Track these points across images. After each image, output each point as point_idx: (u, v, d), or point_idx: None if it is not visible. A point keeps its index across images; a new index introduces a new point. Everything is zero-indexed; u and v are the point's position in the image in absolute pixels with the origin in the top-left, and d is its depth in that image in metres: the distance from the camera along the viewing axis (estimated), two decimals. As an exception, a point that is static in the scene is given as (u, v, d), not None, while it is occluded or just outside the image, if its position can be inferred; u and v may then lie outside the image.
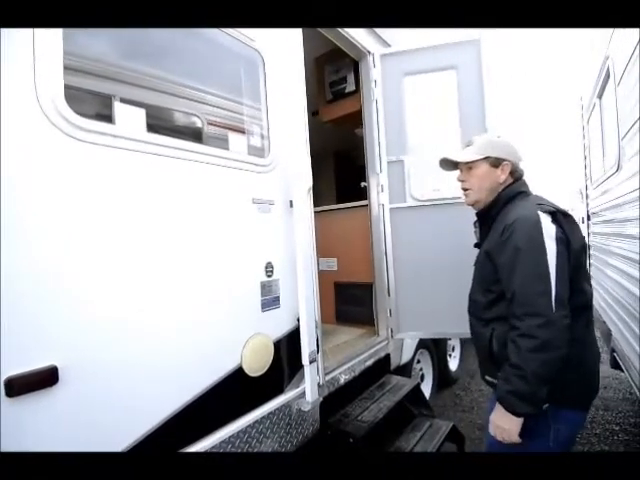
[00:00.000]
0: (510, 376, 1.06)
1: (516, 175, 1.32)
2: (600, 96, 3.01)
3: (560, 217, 1.13)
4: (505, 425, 1.08)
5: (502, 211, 1.27)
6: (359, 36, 2.24)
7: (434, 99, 2.20)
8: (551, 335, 1.02)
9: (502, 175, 1.29)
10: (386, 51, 2.34)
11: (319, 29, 2.02)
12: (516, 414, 1.06)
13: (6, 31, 0.81)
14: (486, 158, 1.29)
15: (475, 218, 1.41)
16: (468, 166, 1.33)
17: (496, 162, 1.28)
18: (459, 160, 1.36)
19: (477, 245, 1.43)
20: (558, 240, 1.08)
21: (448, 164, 1.45)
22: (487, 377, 1.27)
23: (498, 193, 1.30)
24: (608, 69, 2.56)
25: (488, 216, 1.33)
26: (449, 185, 2.10)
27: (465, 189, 1.37)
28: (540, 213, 1.11)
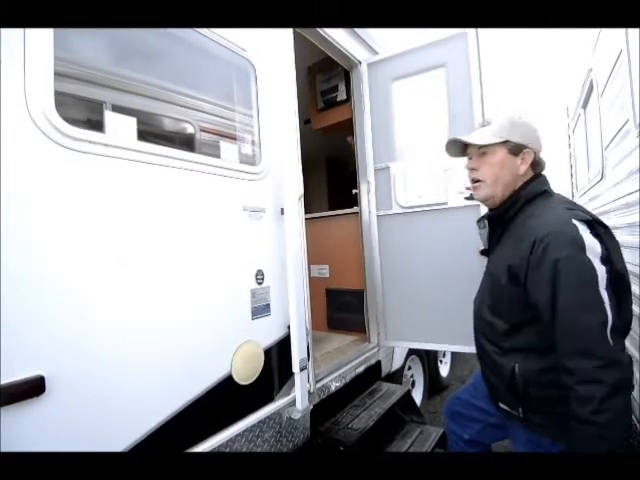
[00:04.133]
0: (589, 438, 0.87)
1: (537, 168, 1.11)
2: (584, 107, 3.09)
3: (599, 228, 0.95)
4: None
5: (520, 213, 1.08)
6: (349, 46, 2.27)
7: (423, 101, 2.19)
8: (620, 375, 0.85)
9: (522, 166, 1.07)
10: (373, 59, 2.37)
11: (311, 39, 2.05)
12: None
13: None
14: (505, 142, 1.08)
15: (476, 218, 1.23)
16: (482, 151, 1.11)
17: (516, 149, 1.07)
18: (472, 142, 1.12)
19: (484, 252, 1.26)
20: (604, 258, 0.89)
21: (456, 149, 1.22)
22: (502, 405, 1.12)
23: (515, 190, 1.09)
24: (592, 81, 2.63)
25: (502, 218, 1.13)
26: (431, 191, 2.14)
27: (476, 180, 1.14)
28: (576, 223, 0.92)
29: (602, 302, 0.87)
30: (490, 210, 1.18)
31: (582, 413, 0.87)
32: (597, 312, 0.87)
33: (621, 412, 0.86)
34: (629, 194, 1.89)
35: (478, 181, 1.14)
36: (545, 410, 1.02)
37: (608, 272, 0.89)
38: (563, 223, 0.93)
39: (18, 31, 0.85)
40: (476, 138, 1.13)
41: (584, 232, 0.91)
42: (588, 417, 0.85)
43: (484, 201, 1.17)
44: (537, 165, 1.12)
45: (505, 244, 1.10)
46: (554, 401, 0.99)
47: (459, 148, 1.22)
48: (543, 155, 1.16)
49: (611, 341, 0.86)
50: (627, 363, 0.87)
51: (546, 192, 1.09)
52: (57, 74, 0.92)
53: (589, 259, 0.88)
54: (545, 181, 1.12)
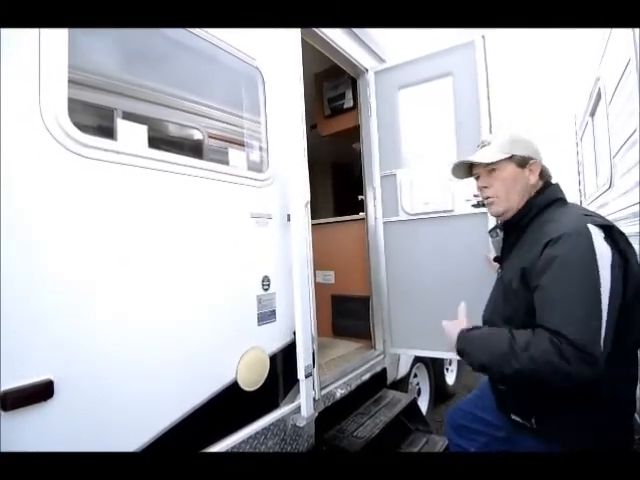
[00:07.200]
0: (497, 353, 0.95)
1: (545, 177, 1.16)
2: (592, 115, 3.08)
3: (616, 234, 0.95)
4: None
5: (535, 220, 1.10)
6: (356, 54, 2.29)
7: (429, 109, 2.20)
8: (589, 372, 0.84)
9: (532, 176, 1.12)
10: (380, 67, 2.39)
11: (318, 47, 2.08)
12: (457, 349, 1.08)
13: (12, 43, 0.83)
14: (511, 157, 1.11)
15: (489, 227, 1.25)
16: (490, 168, 1.14)
17: (522, 161, 1.11)
18: (480, 161, 1.15)
19: (497, 259, 1.27)
20: (613, 266, 0.90)
21: (461, 171, 1.26)
22: (513, 416, 1.09)
23: (528, 199, 1.13)
24: (599, 89, 2.63)
25: (517, 226, 1.15)
26: (438, 198, 2.15)
27: (489, 197, 1.17)
28: (591, 227, 0.93)
29: (601, 312, 0.87)
30: (505, 221, 1.20)
31: (516, 349, 0.90)
32: (596, 319, 0.87)
33: (517, 382, 0.96)
34: (637, 203, 1.87)
35: (491, 197, 1.16)
36: (558, 418, 1.00)
37: (615, 280, 0.89)
38: (578, 227, 0.94)
39: (33, 38, 0.87)
40: (482, 157, 1.15)
41: (598, 237, 0.91)
42: (513, 352, 0.90)
43: (499, 216, 1.18)
44: (545, 174, 1.15)
45: (520, 250, 1.10)
46: (567, 408, 0.98)
47: (465, 169, 1.25)
48: (551, 162, 1.19)
49: (602, 347, 0.85)
50: (598, 372, 0.85)
51: (561, 200, 1.11)
52: (70, 81, 0.94)
53: (597, 265, 0.88)
54: (559, 189, 1.14)
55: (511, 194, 1.12)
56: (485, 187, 1.17)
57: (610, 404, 0.97)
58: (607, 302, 0.87)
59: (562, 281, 0.91)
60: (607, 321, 0.87)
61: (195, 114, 1.33)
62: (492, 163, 1.13)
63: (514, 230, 1.17)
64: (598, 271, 0.88)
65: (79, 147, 0.94)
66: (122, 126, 1.07)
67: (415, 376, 2.97)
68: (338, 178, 4.75)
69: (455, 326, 1.13)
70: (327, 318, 2.85)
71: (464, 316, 1.17)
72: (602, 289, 0.88)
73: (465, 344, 1.05)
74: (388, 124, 2.34)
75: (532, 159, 1.12)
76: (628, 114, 1.94)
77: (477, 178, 1.21)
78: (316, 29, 1.91)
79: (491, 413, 1.24)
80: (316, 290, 1.79)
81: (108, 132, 1.05)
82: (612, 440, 0.99)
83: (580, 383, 0.87)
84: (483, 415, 1.32)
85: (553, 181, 1.18)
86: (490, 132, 1.96)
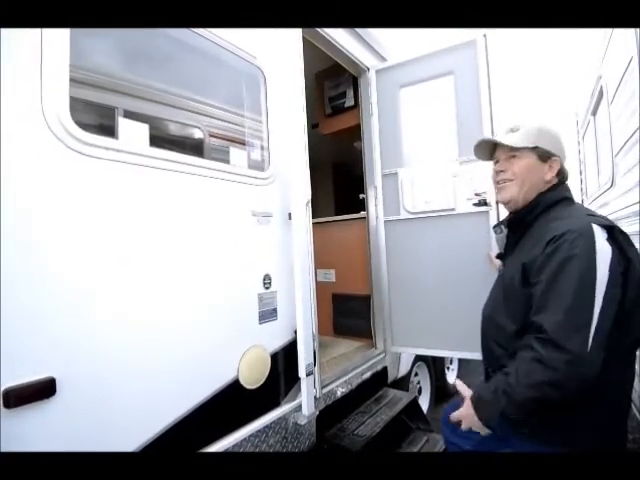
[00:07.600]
0: (499, 392, 0.96)
1: (561, 177, 1.15)
2: (594, 113, 3.07)
3: (618, 234, 0.96)
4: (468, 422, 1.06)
5: (540, 218, 1.10)
6: (358, 52, 2.29)
7: (431, 107, 2.20)
8: (576, 373, 0.86)
9: (550, 172, 1.11)
10: (381, 66, 2.39)
11: (319, 45, 2.08)
12: (480, 419, 1.01)
13: (14, 42, 0.83)
14: (535, 148, 1.11)
15: (494, 223, 1.26)
16: (511, 154, 1.14)
17: (545, 155, 1.11)
18: (504, 143, 1.14)
19: (500, 256, 1.28)
20: (612, 266, 0.91)
21: (483, 151, 1.26)
22: (513, 416, 1.10)
23: (537, 195, 1.13)
24: (601, 88, 2.62)
25: (522, 222, 1.16)
26: (440, 197, 2.15)
27: (503, 180, 1.16)
28: (595, 227, 0.94)
29: (593, 308, 0.88)
30: (510, 214, 1.21)
31: (512, 377, 0.93)
32: (585, 316, 0.88)
33: (534, 406, 0.92)
34: (638, 202, 1.87)
35: (505, 180, 1.16)
36: (557, 418, 0.99)
37: (612, 280, 0.90)
38: (582, 226, 0.95)
39: (35, 38, 0.87)
40: (509, 140, 1.15)
41: (600, 237, 0.93)
42: (509, 385, 0.93)
43: (507, 202, 1.18)
44: (562, 174, 1.15)
45: (523, 247, 1.11)
46: (566, 407, 0.97)
47: (487, 151, 1.25)
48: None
49: (590, 347, 0.86)
50: (593, 370, 0.86)
51: (567, 199, 1.12)
52: (72, 80, 0.94)
53: (595, 264, 0.90)
54: (567, 189, 1.15)
55: (524, 183, 1.12)
56: (501, 171, 1.17)
57: (609, 403, 0.97)
58: (600, 302, 0.88)
59: (559, 278, 0.92)
60: (598, 321, 0.87)
61: (196, 113, 1.33)
62: (514, 149, 1.13)
63: (519, 226, 1.18)
64: (596, 270, 0.89)
65: (80, 145, 0.94)
66: (123, 124, 1.07)
67: (416, 375, 2.97)
68: (339, 177, 4.74)
69: (468, 409, 1.09)
70: (328, 317, 2.85)
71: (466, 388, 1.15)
72: (597, 289, 0.89)
73: (489, 413, 1.01)
74: (389, 123, 2.34)
75: (555, 156, 1.12)
76: (630, 113, 1.94)
77: (496, 162, 1.21)
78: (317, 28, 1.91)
79: None
80: (317, 289, 1.79)
81: (109, 130, 1.05)
82: (611, 439, 1.00)
83: (577, 385, 0.88)
84: None
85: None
86: (491, 131, 1.96)
